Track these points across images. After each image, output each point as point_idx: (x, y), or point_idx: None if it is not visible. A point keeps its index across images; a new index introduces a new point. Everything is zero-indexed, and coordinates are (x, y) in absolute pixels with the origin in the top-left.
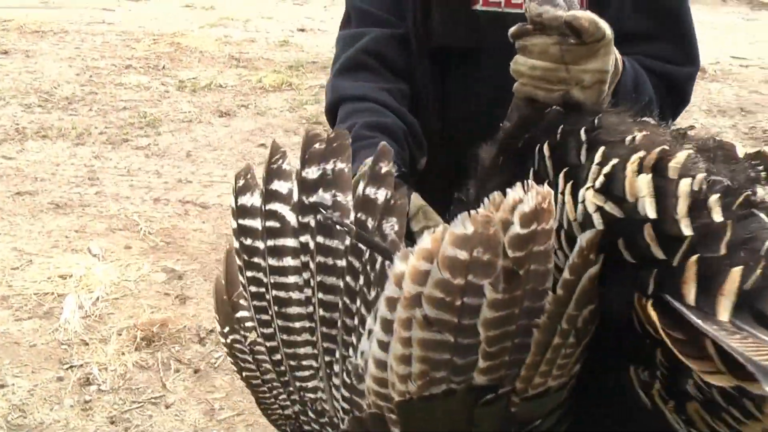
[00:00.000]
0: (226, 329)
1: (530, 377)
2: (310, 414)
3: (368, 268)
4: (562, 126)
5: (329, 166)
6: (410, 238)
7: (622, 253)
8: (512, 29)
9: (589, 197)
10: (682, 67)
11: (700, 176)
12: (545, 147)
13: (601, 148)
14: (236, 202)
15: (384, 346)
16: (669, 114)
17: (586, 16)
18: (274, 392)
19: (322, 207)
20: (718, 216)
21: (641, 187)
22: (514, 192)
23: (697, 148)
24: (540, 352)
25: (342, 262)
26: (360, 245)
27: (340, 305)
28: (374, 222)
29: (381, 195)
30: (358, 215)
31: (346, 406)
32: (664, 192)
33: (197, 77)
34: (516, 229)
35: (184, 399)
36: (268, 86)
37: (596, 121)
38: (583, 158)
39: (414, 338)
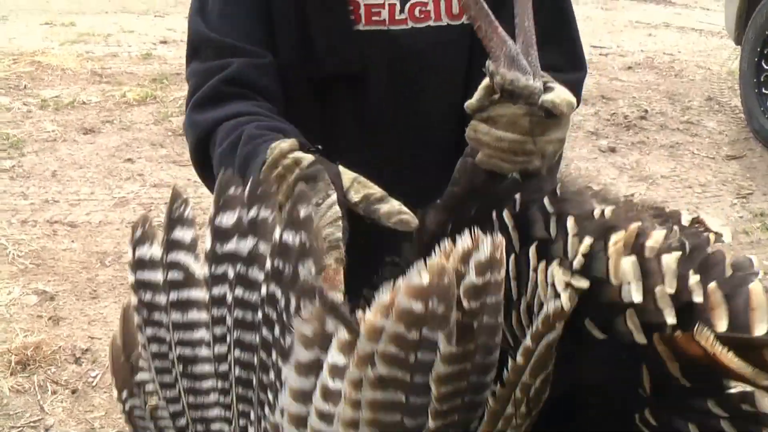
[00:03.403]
0: (125, 394)
1: None
2: None
3: (284, 316)
4: (520, 194)
5: (251, 213)
6: (351, 213)
7: (591, 330)
8: (473, 101)
9: (558, 275)
10: (572, 73)
11: (675, 255)
12: (506, 215)
13: (571, 219)
14: (134, 254)
15: (324, 417)
16: None
17: (565, 100)
18: None
19: (238, 257)
20: (698, 298)
21: (627, 271)
22: (464, 241)
23: (654, 217)
24: (493, 422)
25: (258, 316)
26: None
27: (256, 362)
28: (289, 267)
29: (297, 240)
30: (275, 263)
31: None
32: (645, 275)
33: (60, 95)
34: (471, 278)
35: (64, 420)
36: (133, 100)
37: (557, 190)
38: (552, 231)
39: (364, 400)
